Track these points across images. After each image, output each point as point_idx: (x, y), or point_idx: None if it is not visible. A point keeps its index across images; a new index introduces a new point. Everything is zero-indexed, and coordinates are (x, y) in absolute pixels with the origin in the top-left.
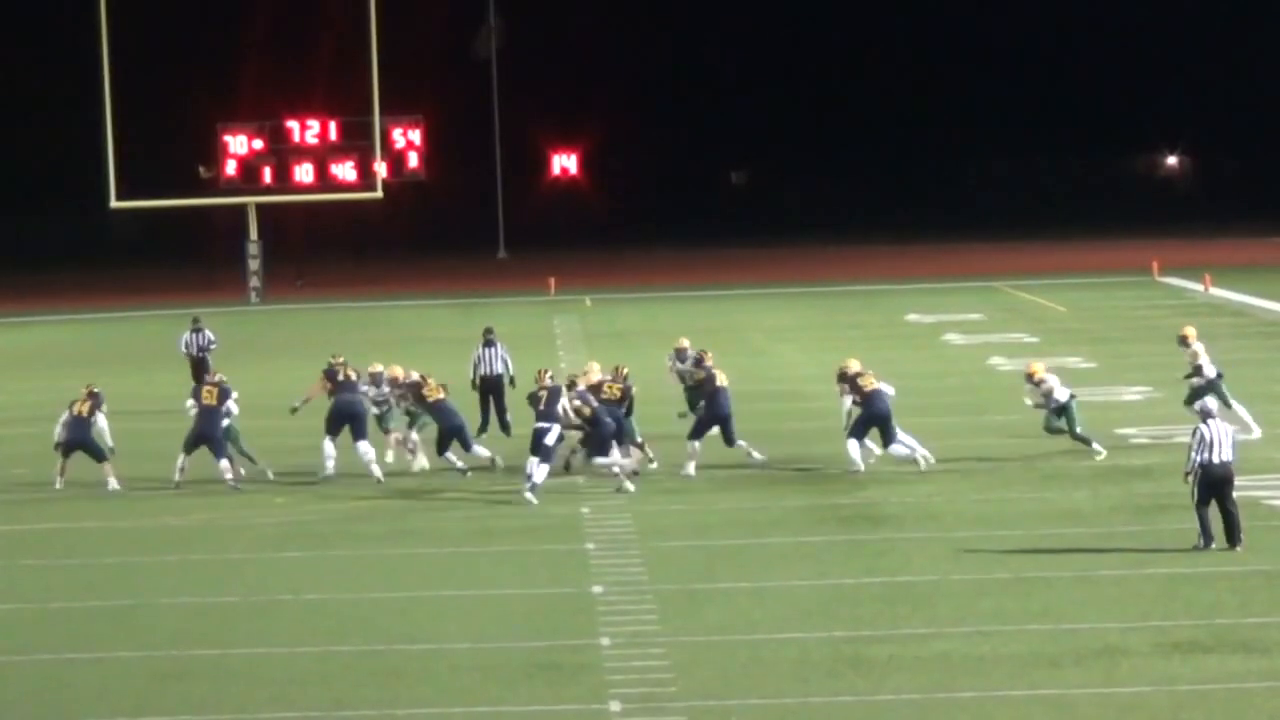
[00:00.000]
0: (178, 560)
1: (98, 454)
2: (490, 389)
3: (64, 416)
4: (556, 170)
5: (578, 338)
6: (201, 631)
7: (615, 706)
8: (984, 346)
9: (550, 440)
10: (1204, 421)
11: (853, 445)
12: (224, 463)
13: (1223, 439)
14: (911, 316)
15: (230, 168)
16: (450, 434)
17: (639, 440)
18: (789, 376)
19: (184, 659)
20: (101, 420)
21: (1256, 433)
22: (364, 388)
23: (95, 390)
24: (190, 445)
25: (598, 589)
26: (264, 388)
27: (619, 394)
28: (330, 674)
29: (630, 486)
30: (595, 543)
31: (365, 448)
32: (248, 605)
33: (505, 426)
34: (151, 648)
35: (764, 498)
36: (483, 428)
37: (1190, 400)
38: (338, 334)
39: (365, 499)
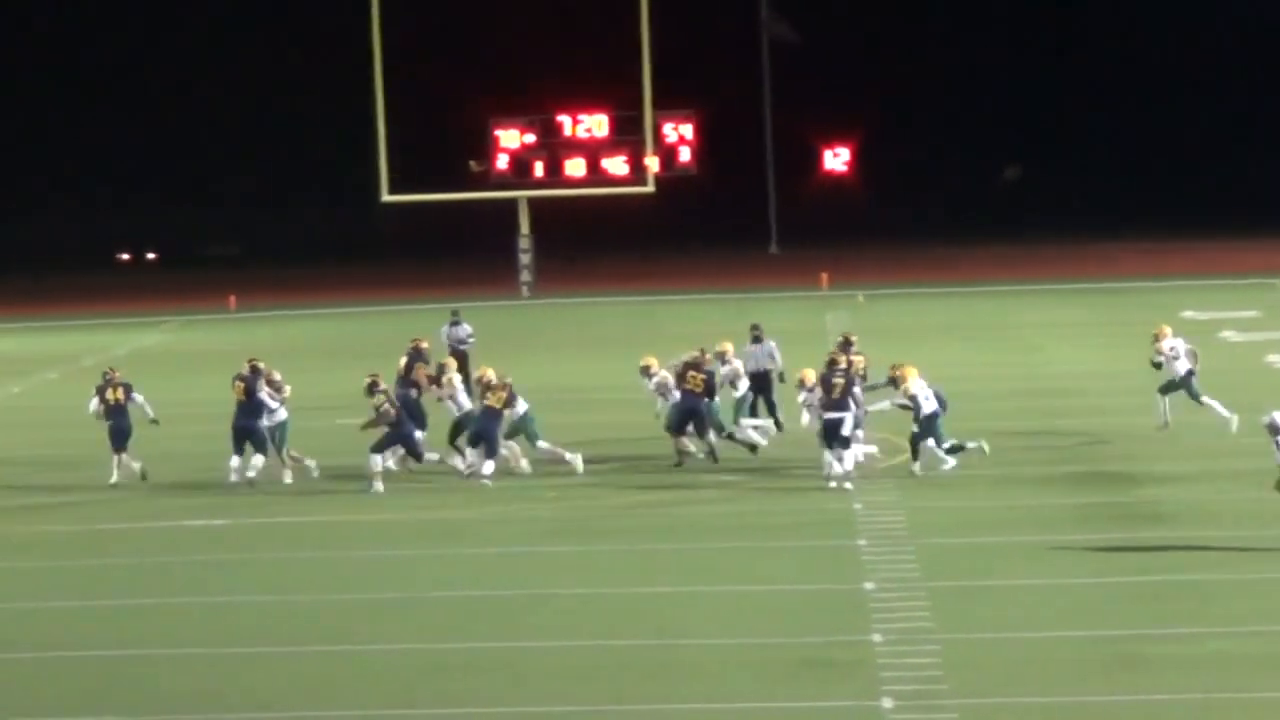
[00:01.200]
0: (446, 554)
1: (123, 442)
2: (759, 385)
3: (96, 405)
4: (828, 165)
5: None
6: (471, 624)
7: (887, 703)
8: (1261, 344)
9: (846, 430)
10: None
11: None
12: (257, 458)
13: None
14: (1187, 313)
15: (501, 162)
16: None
17: (725, 430)
18: (1061, 374)
19: (454, 652)
20: (139, 397)
21: (1233, 423)
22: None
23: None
24: (235, 444)
25: (870, 585)
26: (539, 382)
27: (701, 385)
28: (602, 669)
29: (380, 487)
30: (867, 538)
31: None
32: (518, 599)
33: (778, 423)
34: (420, 640)
35: (1037, 495)
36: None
37: (1165, 390)
38: (609, 328)
39: (636, 492)
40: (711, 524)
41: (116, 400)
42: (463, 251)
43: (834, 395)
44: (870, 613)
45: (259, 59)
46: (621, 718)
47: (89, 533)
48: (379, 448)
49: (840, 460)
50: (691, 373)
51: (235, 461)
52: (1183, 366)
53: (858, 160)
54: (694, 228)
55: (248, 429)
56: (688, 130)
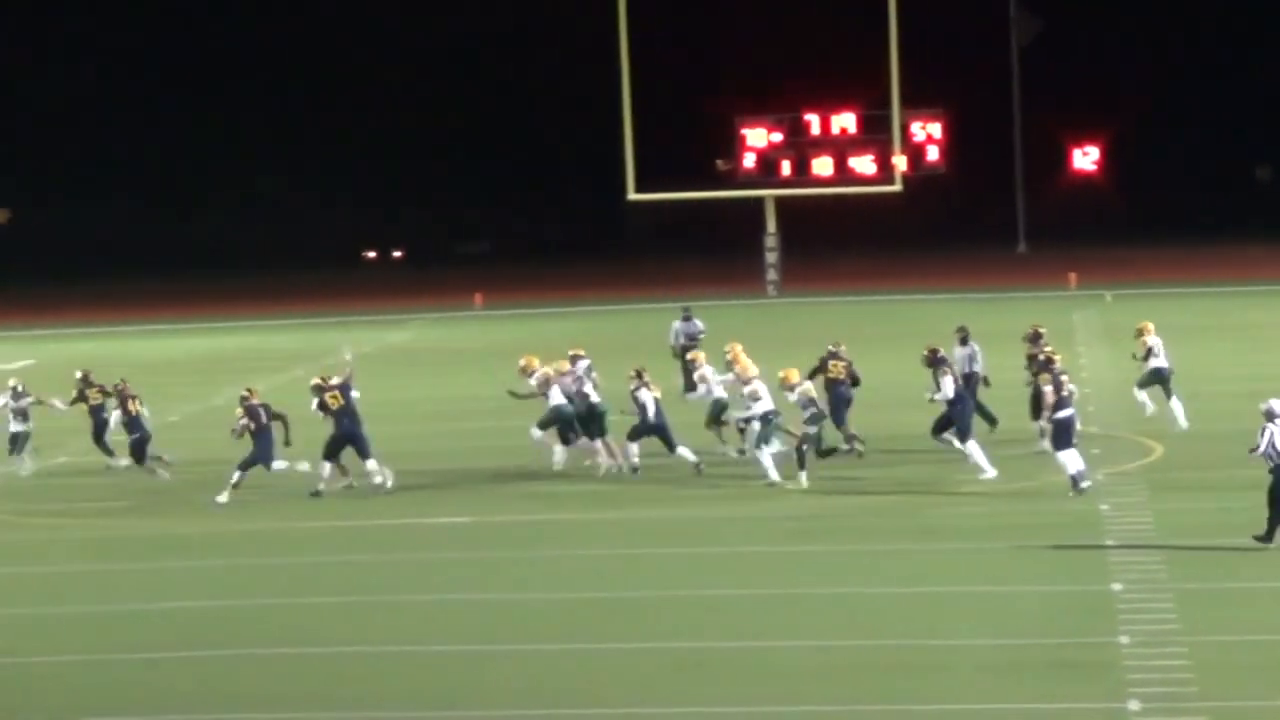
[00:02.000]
0: (697, 552)
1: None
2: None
3: (119, 417)
4: (1077, 164)
5: (1097, 333)
6: (717, 623)
7: (1134, 705)
8: None
9: (1080, 426)
10: (1270, 421)
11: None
12: (370, 463)
13: None
14: None
15: (749, 160)
16: (345, 441)
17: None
18: None
19: (700, 651)
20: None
21: (1183, 425)
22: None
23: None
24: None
25: (1117, 586)
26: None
27: (844, 372)
28: (847, 669)
29: (224, 498)
30: (1115, 539)
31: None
32: (765, 598)
33: (992, 422)
34: (666, 639)
35: None
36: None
37: (1142, 384)
38: (854, 327)
39: (883, 493)
40: (958, 525)
41: (137, 411)
42: (709, 249)
43: (1064, 394)
44: (1117, 614)
45: (507, 58)
46: (866, 718)
47: (330, 529)
48: (244, 465)
49: (1072, 461)
50: (832, 362)
51: (371, 464)
52: (1160, 363)
53: (1107, 159)
54: (941, 226)
55: (352, 435)
56: (936, 129)
